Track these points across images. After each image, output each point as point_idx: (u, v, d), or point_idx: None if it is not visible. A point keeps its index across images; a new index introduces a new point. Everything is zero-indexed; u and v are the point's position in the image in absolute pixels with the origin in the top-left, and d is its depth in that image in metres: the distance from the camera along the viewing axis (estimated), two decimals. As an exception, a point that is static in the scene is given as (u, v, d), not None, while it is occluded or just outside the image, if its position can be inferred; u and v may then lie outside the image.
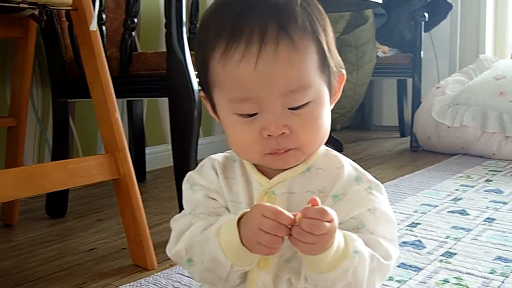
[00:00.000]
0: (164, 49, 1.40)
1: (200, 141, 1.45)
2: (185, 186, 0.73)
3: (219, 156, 0.73)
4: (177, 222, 0.71)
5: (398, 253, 0.67)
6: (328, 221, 0.57)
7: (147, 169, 2.24)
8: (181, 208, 1.38)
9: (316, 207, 0.57)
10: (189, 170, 1.39)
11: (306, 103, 0.62)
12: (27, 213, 1.72)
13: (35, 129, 1.95)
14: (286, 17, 0.60)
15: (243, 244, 0.60)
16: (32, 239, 1.47)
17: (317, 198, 0.58)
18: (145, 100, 2.37)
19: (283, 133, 0.61)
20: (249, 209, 0.61)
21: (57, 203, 1.67)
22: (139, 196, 1.22)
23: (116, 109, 1.22)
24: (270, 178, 0.67)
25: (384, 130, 3.49)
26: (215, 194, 0.70)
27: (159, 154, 2.41)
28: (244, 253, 0.60)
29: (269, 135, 0.62)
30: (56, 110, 1.66)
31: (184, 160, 1.42)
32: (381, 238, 0.65)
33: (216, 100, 0.66)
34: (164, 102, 2.45)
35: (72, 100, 1.67)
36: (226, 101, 0.64)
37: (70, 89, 1.60)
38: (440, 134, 2.61)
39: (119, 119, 1.23)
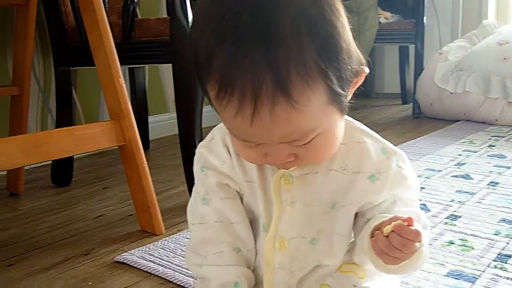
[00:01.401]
0: (164, 15, 1.38)
1: (204, 109, 1.45)
2: (196, 166, 0.72)
3: None
4: (192, 206, 0.72)
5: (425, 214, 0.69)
6: (420, 241, 0.57)
7: (150, 138, 2.25)
8: (187, 177, 1.40)
9: (413, 228, 0.56)
10: (194, 138, 1.41)
11: (312, 138, 0.57)
12: (32, 182, 1.73)
13: (37, 98, 1.95)
14: (285, 65, 0.50)
15: None
16: (39, 207, 1.48)
17: (413, 218, 0.57)
18: (147, 68, 2.36)
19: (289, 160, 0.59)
20: None
21: (62, 172, 1.68)
22: (145, 162, 1.22)
23: (121, 75, 1.22)
24: None
25: (386, 98, 3.48)
26: (227, 180, 0.69)
27: (162, 123, 2.41)
28: None
29: None
30: (59, 78, 1.65)
31: (189, 127, 1.42)
32: (417, 209, 0.67)
33: (216, 109, 0.58)
34: (166, 70, 2.45)
35: (74, 68, 1.65)
36: (225, 125, 0.59)
37: (72, 57, 1.59)
38: (442, 100, 2.60)
39: (124, 85, 1.22)
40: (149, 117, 2.23)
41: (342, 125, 0.60)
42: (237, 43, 0.50)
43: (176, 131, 1.42)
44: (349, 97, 0.60)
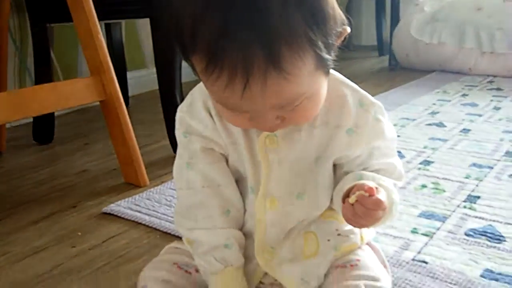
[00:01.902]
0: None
1: (183, 63, 1.46)
2: (178, 130, 0.71)
3: None
4: (177, 170, 0.72)
5: (401, 162, 0.72)
6: (383, 209, 0.59)
7: (129, 94, 2.25)
8: (169, 131, 1.43)
9: (373, 198, 0.58)
10: (174, 93, 1.44)
11: (300, 102, 0.57)
12: (13, 140, 1.74)
13: (13, 58, 1.93)
14: (276, 39, 0.49)
15: None
16: (22, 164, 1.50)
17: (374, 188, 0.59)
18: (124, 24, 2.34)
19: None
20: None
21: (43, 129, 1.69)
22: (127, 116, 1.24)
23: (99, 30, 1.22)
24: None
25: (363, 50, 3.51)
26: (212, 144, 0.69)
27: (141, 79, 2.42)
28: None
29: None
30: (36, 36, 1.64)
31: (169, 82, 1.44)
32: (393, 160, 0.70)
33: (201, 80, 0.58)
34: (143, 26, 2.43)
35: (51, 25, 1.64)
36: (212, 96, 0.59)
37: (49, 13, 1.58)
38: (418, 51, 2.64)
39: (103, 40, 1.23)
40: (127, 73, 2.23)
41: (326, 85, 0.61)
42: (226, 17, 0.49)
43: (155, 87, 1.43)
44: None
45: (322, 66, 0.56)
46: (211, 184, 0.69)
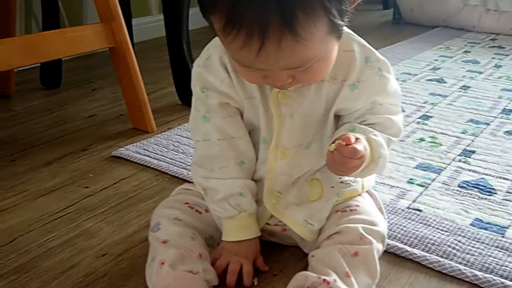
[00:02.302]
0: None
1: (190, 11, 1.48)
2: (195, 86, 0.74)
3: None
4: (193, 121, 0.76)
5: (402, 118, 0.76)
6: (359, 158, 0.63)
7: (134, 41, 2.26)
8: (175, 78, 1.46)
9: (349, 147, 0.62)
10: (182, 40, 1.46)
11: (312, 64, 0.60)
12: (21, 84, 1.77)
13: (20, 2, 1.93)
14: (291, 5, 0.53)
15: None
16: (32, 108, 1.54)
17: (352, 137, 0.63)
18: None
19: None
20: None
21: (51, 74, 1.71)
22: (135, 62, 1.27)
23: (109, -23, 1.24)
24: None
25: (367, 2, 3.48)
26: (228, 98, 0.72)
27: (145, 26, 2.42)
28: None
29: None
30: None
31: (176, 30, 1.46)
32: (392, 115, 0.73)
33: (218, 34, 0.61)
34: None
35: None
36: (228, 52, 0.62)
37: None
38: (423, 6, 2.63)
39: (112, -13, 1.24)
40: (132, 20, 2.23)
41: (337, 47, 0.64)
42: None
43: (160, 34, 1.45)
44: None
45: (334, 31, 0.59)
46: (226, 137, 0.73)
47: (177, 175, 1.05)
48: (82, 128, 1.35)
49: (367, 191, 0.79)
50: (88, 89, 1.70)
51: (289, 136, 0.73)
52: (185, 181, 1.02)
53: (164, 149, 1.17)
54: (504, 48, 2.16)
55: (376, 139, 0.69)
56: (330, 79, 0.70)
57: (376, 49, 0.73)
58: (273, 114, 0.71)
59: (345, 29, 0.70)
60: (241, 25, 0.54)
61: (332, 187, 0.75)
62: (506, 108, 1.41)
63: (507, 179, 1.01)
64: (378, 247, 0.69)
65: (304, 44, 0.55)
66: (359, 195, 0.77)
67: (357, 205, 0.74)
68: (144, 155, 1.14)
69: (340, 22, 0.58)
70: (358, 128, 0.71)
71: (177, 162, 1.10)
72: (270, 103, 0.71)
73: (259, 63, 0.58)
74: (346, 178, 0.76)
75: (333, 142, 0.65)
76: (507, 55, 2.03)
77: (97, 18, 1.26)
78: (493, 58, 1.98)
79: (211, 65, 0.72)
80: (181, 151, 1.15)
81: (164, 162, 1.10)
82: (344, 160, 0.63)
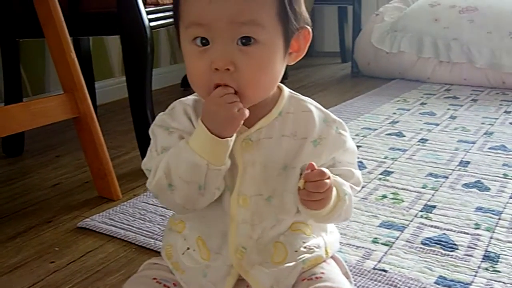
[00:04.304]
0: (112, -14, 1.41)
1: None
2: (158, 129, 0.75)
3: (189, 100, 0.76)
4: (150, 162, 0.75)
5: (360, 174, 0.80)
6: (328, 178, 0.68)
7: (97, 104, 2.27)
8: (139, 141, 1.47)
9: (316, 170, 0.68)
10: (145, 103, 1.47)
11: (256, 42, 0.65)
12: (-17, 153, 1.75)
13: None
14: None
15: (211, 133, 0.67)
16: (-6, 177, 1.52)
17: (313, 163, 0.68)
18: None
19: (228, 69, 0.66)
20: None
21: (13, 142, 1.70)
22: (100, 132, 1.28)
23: (72, 49, 1.26)
24: (247, 126, 0.72)
25: (326, 56, 3.59)
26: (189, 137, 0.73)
27: (107, 88, 2.43)
28: (216, 144, 0.67)
29: (216, 69, 0.67)
30: (6, 51, 1.65)
31: (140, 95, 1.47)
32: (352, 168, 0.78)
33: (180, 33, 0.70)
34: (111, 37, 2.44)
35: (21, 40, 1.66)
36: (184, 30, 0.69)
37: (19, 28, 1.59)
38: (379, 60, 2.74)
39: (75, 58, 1.26)
40: (95, 83, 2.24)
41: (282, 69, 0.70)
42: None
43: (123, 96, 1.46)
44: (303, 53, 0.73)
45: (282, 20, 0.66)
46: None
47: (144, 245, 1.04)
48: (46, 198, 1.34)
49: (332, 257, 0.81)
50: (51, 156, 1.69)
51: (250, 185, 0.74)
52: (152, 251, 1.02)
53: (131, 217, 1.17)
54: (458, 98, 2.25)
55: (338, 179, 0.74)
56: (290, 135, 0.74)
57: (337, 104, 0.80)
58: (237, 161, 0.73)
59: (301, 96, 0.78)
60: None
61: (296, 251, 0.77)
62: (463, 160, 1.47)
63: (467, 233, 1.04)
64: (346, 313, 0.70)
65: (253, 2, 0.63)
66: (324, 261, 0.78)
67: (322, 273, 0.75)
68: (110, 225, 1.14)
69: (290, 14, 0.66)
70: None
71: (144, 232, 1.09)
72: (234, 151, 0.72)
73: (210, 12, 0.63)
74: (310, 243, 0.77)
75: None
76: (461, 105, 2.11)
77: (60, 84, 1.27)
78: (448, 109, 2.07)
79: (175, 113, 0.75)
80: (148, 219, 1.15)
81: (131, 232, 1.10)
82: (317, 184, 0.67)
